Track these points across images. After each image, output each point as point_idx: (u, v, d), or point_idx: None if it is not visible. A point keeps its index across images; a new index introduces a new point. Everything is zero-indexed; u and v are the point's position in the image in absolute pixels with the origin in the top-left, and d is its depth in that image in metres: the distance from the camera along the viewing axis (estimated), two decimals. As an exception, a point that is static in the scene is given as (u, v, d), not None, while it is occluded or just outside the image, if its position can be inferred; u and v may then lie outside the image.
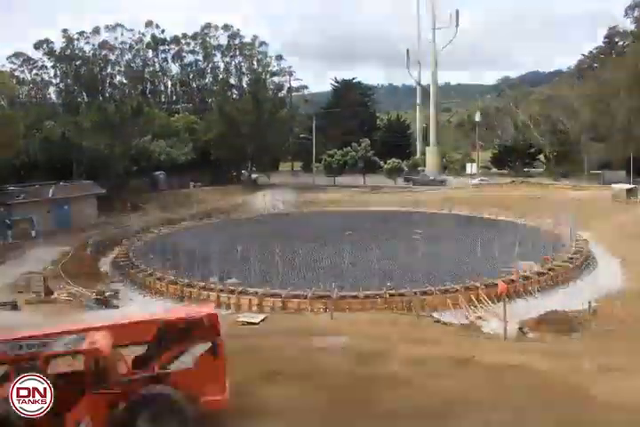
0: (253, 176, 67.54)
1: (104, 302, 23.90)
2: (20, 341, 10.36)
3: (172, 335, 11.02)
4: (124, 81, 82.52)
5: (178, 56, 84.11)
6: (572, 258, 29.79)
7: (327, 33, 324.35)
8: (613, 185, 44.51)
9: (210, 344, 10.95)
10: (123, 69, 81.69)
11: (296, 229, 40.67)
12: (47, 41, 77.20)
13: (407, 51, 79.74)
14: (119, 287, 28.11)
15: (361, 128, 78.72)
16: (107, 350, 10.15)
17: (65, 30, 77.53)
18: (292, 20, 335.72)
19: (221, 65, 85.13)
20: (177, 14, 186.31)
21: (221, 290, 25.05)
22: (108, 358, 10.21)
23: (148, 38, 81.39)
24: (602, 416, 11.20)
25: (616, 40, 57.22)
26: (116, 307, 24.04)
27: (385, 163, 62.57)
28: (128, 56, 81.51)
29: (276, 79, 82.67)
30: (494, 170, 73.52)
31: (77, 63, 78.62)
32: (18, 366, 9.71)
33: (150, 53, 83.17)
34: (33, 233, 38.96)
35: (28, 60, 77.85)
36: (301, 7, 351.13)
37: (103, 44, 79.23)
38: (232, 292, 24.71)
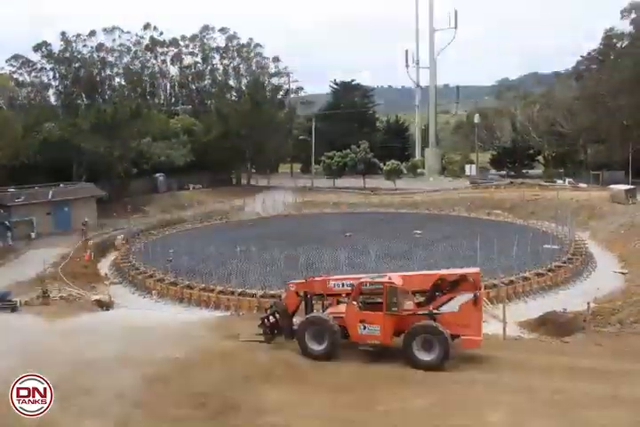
0: (252, 178, 67.61)
1: (104, 304, 23.86)
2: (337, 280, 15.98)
3: (444, 287, 14.84)
4: (123, 83, 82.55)
5: (177, 58, 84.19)
6: (570, 259, 29.83)
7: (327, 34, 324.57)
8: (612, 185, 44.55)
9: (472, 295, 14.40)
10: (121, 71, 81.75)
11: (295, 231, 40.67)
12: (45, 43, 77.31)
13: (406, 52, 79.77)
14: (119, 289, 28.14)
15: (360, 130, 78.73)
16: (399, 284, 14.64)
17: (63, 33, 77.70)
18: (289, 19, 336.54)
19: (220, 67, 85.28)
20: (176, 16, 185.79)
21: (221, 291, 25.09)
22: (399, 292, 14.61)
23: (146, 41, 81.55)
24: None
25: (614, 41, 57.23)
26: (108, 309, 23.90)
27: (384, 164, 62.57)
28: (127, 58, 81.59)
29: (274, 81, 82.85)
30: (493, 171, 73.54)
31: (76, 66, 78.68)
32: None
33: (149, 55, 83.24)
34: (33, 235, 38.96)
35: (26, 63, 77.90)
36: (298, 5, 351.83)
37: (100, 47, 79.31)
38: (232, 293, 24.78)
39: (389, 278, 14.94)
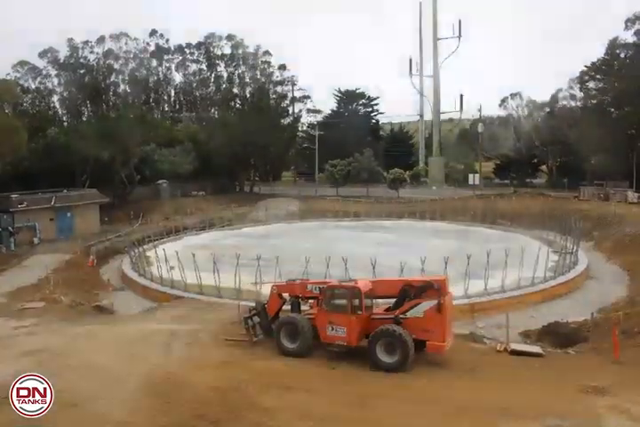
0: (256, 186, 67.72)
1: (105, 310, 23.84)
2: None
3: (411, 293, 15.28)
4: (128, 90, 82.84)
5: (182, 65, 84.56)
6: (574, 268, 29.66)
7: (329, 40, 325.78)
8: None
9: (436, 302, 14.88)
10: (127, 78, 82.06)
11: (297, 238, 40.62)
12: (52, 50, 77.66)
13: (410, 61, 79.85)
14: (121, 295, 28.09)
15: (364, 138, 78.79)
16: (364, 288, 15.41)
17: (70, 39, 78.08)
18: (293, 27, 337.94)
19: (225, 74, 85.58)
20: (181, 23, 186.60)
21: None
22: (363, 295, 15.35)
23: (152, 47, 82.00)
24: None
25: (617, 52, 57.35)
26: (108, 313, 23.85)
27: (388, 173, 62.58)
28: (132, 65, 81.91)
29: (279, 89, 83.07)
30: (497, 180, 73.52)
31: (82, 72, 79.03)
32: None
33: (154, 62, 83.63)
34: (36, 240, 39.05)
35: (32, 69, 78.24)
36: (301, 15, 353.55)
37: (107, 54, 79.65)
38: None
39: (356, 283, 15.77)
